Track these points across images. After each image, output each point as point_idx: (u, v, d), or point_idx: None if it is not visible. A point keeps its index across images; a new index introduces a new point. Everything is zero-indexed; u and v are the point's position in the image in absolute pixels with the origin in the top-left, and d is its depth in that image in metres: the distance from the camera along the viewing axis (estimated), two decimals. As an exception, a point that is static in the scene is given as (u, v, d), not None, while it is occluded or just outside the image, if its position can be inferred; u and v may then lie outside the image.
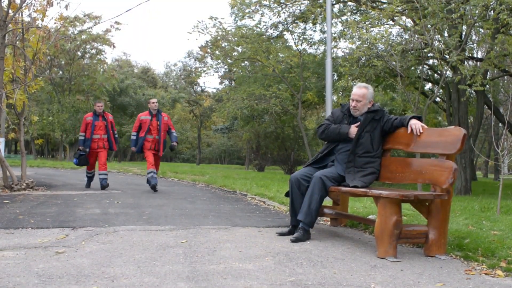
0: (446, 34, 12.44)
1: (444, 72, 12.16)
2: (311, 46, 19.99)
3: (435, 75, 17.93)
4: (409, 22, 13.84)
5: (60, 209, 6.21)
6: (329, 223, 5.58)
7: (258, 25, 18.90)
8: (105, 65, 35.35)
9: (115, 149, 10.12)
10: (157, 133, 9.34)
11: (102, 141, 9.76)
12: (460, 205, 7.49)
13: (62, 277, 2.96)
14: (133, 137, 9.50)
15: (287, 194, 4.87)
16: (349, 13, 16.58)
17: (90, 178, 10.17)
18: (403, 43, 11.49)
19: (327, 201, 5.73)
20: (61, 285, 2.81)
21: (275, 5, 17.32)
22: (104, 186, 9.52)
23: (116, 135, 10.12)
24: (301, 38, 19.42)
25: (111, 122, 9.99)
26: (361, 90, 4.66)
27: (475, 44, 18.08)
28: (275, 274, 3.16)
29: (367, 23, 12.50)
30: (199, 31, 19.02)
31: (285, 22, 18.52)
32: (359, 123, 4.61)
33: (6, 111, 9.88)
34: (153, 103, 9.46)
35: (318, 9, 14.94)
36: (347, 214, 5.27)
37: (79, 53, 32.77)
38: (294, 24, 18.85)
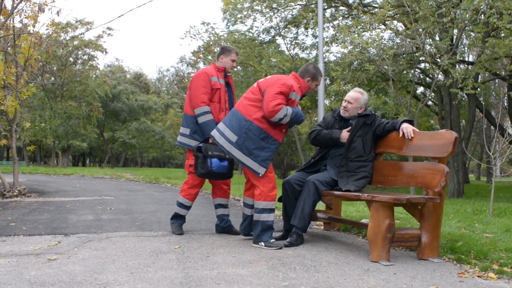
0: (437, 38, 12.53)
1: (435, 75, 12.25)
2: (303, 50, 20.03)
3: (427, 78, 18.05)
4: (400, 26, 13.95)
5: (53, 216, 6.18)
6: (322, 227, 5.59)
7: (250, 30, 18.94)
8: (97, 71, 35.29)
9: None
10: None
11: None
12: (452, 208, 7.52)
13: (54, 284, 2.94)
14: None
15: (280, 199, 4.86)
16: (340, 18, 16.62)
17: (181, 218, 5.14)
18: (395, 47, 11.55)
19: (320, 206, 5.74)
20: (53, 293, 2.79)
21: (267, 10, 17.36)
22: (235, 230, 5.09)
23: None
24: (293, 43, 19.49)
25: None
26: (355, 94, 4.69)
27: (466, 48, 18.21)
28: (268, 279, 3.16)
29: (359, 27, 12.54)
30: (191, 37, 19.08)
31: (277, 27, 18.55)
32: (350, 127, 4.63)
33: (-3, 117, 9.80)
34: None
35: (310, 13, 14.98)
36: (340, 218, 5.27)
37: (71, 59, 32.67)
38: (286, 29, 18.91)
